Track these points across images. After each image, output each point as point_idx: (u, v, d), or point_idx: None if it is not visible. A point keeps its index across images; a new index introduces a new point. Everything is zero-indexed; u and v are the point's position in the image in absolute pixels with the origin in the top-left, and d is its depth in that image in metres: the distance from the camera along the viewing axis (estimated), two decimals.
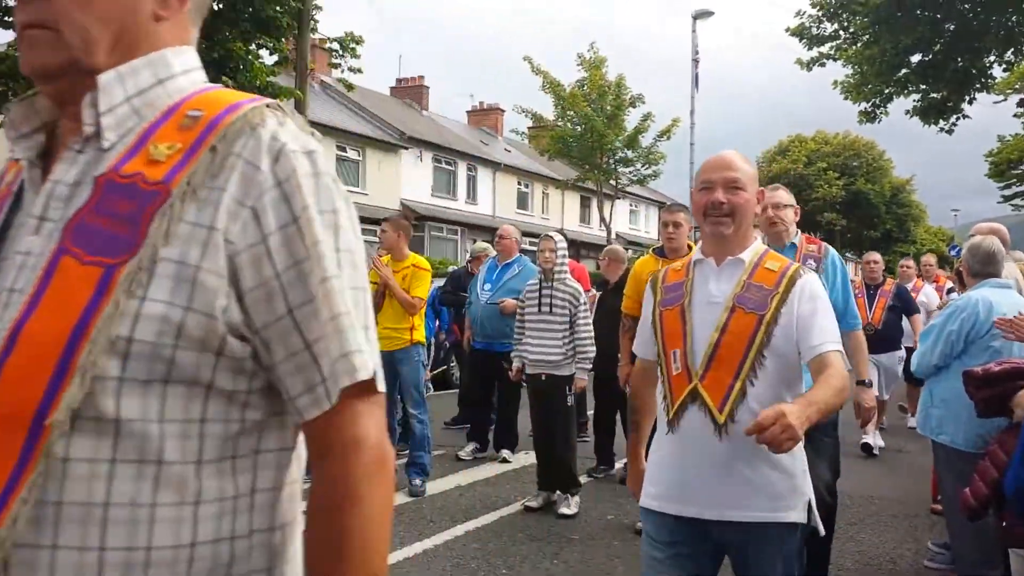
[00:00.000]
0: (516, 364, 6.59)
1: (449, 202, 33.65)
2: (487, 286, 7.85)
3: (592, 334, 6.26)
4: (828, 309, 2.60)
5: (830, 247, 4.57)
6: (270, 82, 14.01)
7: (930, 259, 11.62)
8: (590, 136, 27.43)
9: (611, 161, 28.91)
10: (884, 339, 8.43)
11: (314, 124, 17.62)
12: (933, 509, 6.31)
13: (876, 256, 9.17)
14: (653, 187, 37.88)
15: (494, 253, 8.55)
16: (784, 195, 4.57)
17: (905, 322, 8.93)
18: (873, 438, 8.58)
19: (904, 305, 8.71)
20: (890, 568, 5.14)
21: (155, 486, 1.01)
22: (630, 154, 28.96)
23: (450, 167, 34.30)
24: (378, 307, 6.76)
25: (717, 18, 28.19)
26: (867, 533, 5.82)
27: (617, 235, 33.24)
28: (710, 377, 2.54)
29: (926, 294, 9.88)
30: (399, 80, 40.09)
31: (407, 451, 7.07)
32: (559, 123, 28.49)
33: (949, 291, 9.91)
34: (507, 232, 8.06)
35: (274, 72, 14.60)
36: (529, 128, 31.84)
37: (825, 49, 20.82)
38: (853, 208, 44.01)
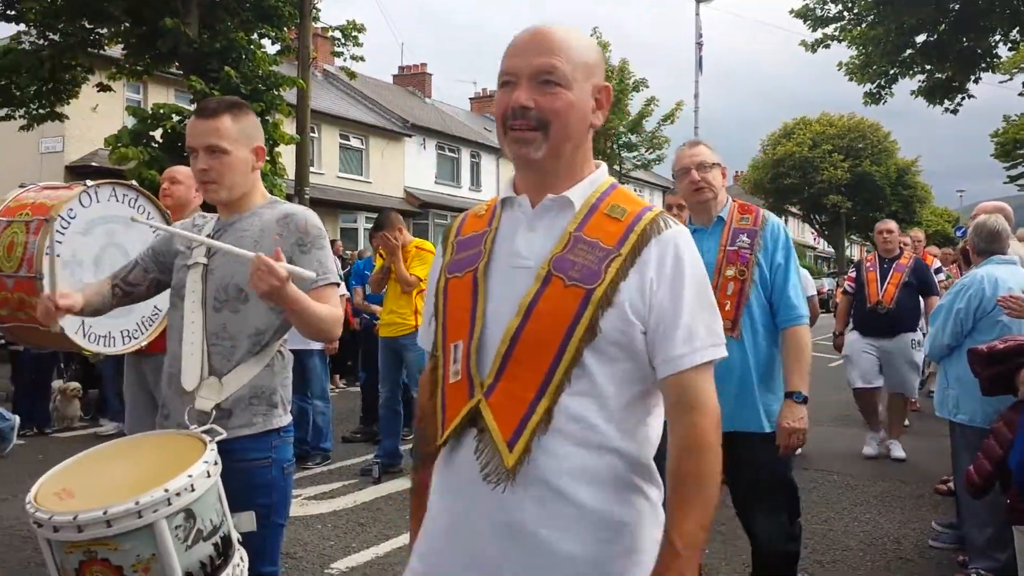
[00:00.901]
0: None
1: (453, 189, 33.62)
2: None
3: None
4: (702, 288, 1.69)
5: (769, 213, 3.56)
6: (272, 71, 13.99)
7: (918, 234, 10.06)
8: None
9: (615, 146, 28.82)
10: (896, 321, 7.24)
11: (317, 113, 17.58)
12: (937, 489, 6.32)
13: (891, 224, 7.74)
14: (657, 172, 37.78)
15: None
16: (706, 151, 3.55)
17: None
18: (895, 447, 7.51)
19: (920, 283, 7.39)
20: (895, 548, 5.15)
21: None
22: (634, 139, 28.91)
23: (453, 154, 34.26)
24: (381, 285, 6.79)
25: (721, 2, 28.09)
26: (872, 513, 5.82)
27: None
28: (501, 390, 1.64)
29: None
30: (402, 68, 39.98)
31: (412, 435, 7.09)
32: None
33: (937, 271, 9.58)
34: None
35: (276, 61, 14.58)
36: None
37: (830, 30, 20.72)
38: (858, 190, 43.89)
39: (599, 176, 1.78)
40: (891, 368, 7.37)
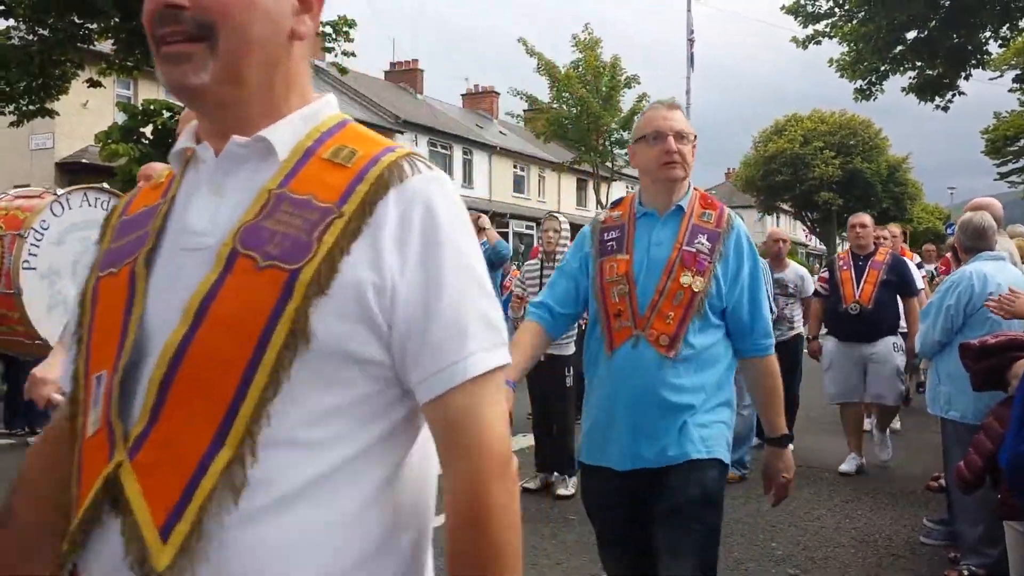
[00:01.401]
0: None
1: None
2: None
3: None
4: (470, 263, 1.14)
5: (735, 215, 2.87)
6: None
7: (895, 229, 9.11)
8: (586, 118, 27.33)
9: (607, 143, 28.82)
10: (876, 323, 6.61)
11: None
12: (929, 486, 6.33)
13: (865, 218, 7.07)
14: None
15: None
16: (681, 118, 2.81)
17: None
18: (881, 449, 7.16)
19: (900, 281, 6.73)
20: (886, 544, 5.16)
21: None
22: (626, 135, 28.87)
23: (445, 151, 34.20)
24: None
25: None
26: (863, 510, 5.83)
27: None
28: (156, 442, 1.04)
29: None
30: (393, 64, 39.91)
31: None
32: (554, 105, 28.38)
33: (918, 266, 9.08)
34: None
35: None
36: (524, 111, 31.68)
37: (821, 27, 20.75)
38: (850, 187, 43.93)
39: (319, 110, 1.20)
40: (874, 377, 6.70)
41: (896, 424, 7.60)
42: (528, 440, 7.10)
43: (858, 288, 6.68)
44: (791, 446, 2.96)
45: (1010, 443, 3.36)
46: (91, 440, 1.10)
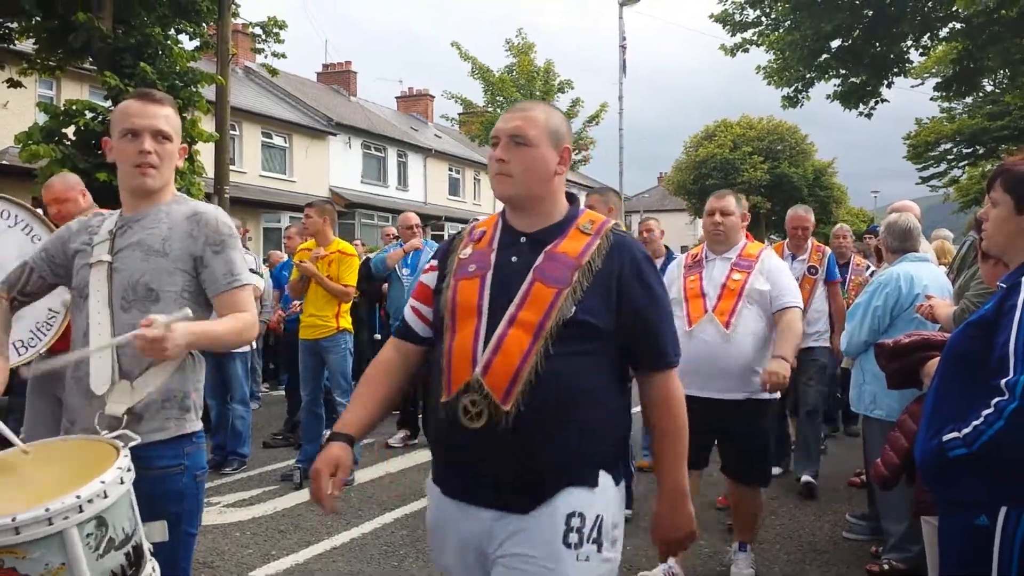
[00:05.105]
0: None
1: (380, 189, 33.35)
2: (406, 271, 7.81)
3: None
4: None
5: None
6: (191, 68, 13.68)
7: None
8: None
9: None
10: (531, 455, 2.01)
11: (237, 110, 17.25)
12: (851, 482, 6.49)
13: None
14: (584, 172, 38.10)
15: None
16: None
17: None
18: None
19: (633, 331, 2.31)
20: (809, 540, 5.28)
21: None
22: None
23: (380, 153, 33.99)
24: (303, 293, 6.70)
25: (643, 5, 28.47)
26: (788, 506, 5.95)
27: None
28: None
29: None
30: (326, 66, 39.51)
31: None
32: (489, 109, 28.41)
33: (844, 266, 9.22)
34: (411, 220, 8.04)
35: (195, 57, 14.24)
36: (459, 114, 31.64)
37: (748, 35, 21.15)
38: (777, 191, 44.82)
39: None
40: None
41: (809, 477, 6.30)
42: None
43: (482, 350, 2.16)
44: None
45: (922, 438, 3.47)
46: None
